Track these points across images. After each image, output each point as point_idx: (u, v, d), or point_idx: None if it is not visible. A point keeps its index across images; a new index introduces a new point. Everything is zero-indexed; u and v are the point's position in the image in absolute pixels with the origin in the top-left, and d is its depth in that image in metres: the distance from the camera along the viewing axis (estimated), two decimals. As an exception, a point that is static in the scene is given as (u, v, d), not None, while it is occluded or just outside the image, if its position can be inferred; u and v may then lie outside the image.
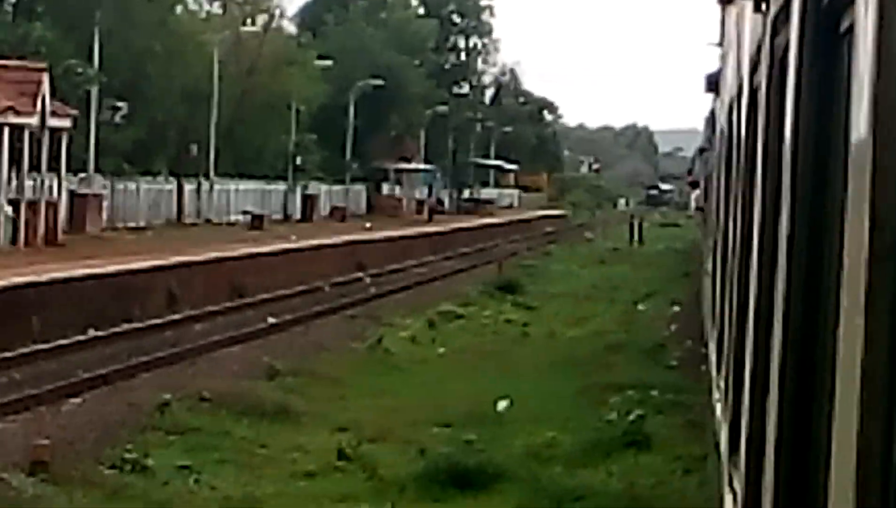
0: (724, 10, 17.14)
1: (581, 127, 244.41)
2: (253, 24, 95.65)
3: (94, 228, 61.78)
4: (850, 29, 3.41)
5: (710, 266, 26.64)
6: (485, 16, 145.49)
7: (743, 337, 8.84)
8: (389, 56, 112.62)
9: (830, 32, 4.35)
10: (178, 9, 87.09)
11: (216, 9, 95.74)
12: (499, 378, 32.45)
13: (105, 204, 66.01)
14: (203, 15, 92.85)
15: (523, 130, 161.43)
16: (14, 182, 54.88)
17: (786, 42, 5.79)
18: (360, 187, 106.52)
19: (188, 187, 77.66)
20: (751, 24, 8.93)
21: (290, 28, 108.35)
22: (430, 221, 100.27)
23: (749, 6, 7.86)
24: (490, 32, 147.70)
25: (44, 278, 40.97)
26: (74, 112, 61.24)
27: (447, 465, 22.57)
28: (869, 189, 2.76)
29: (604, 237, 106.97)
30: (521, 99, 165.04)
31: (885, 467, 2.64)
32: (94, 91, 68.14)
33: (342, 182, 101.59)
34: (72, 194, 61.47)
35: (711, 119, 38.25)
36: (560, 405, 28.93)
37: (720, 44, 27.06)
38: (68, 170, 61.05)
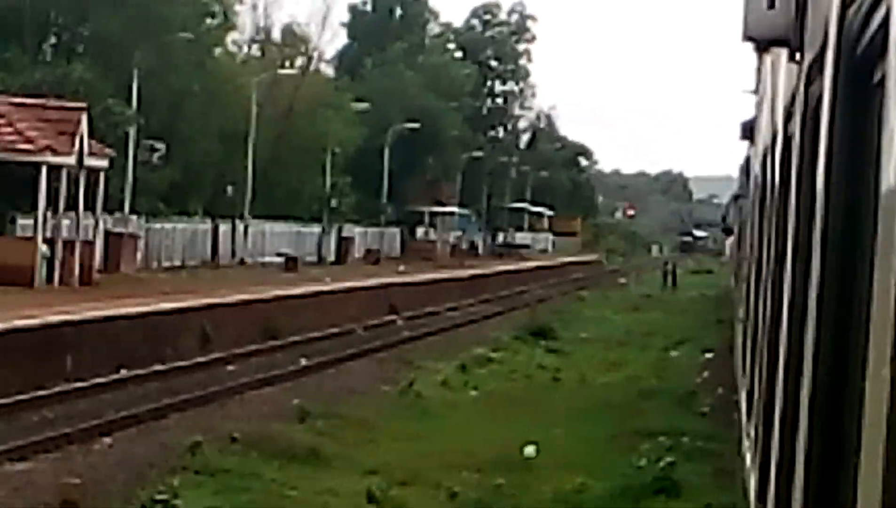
0: (759, 58, 17.14)
1: (616, 173, 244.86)
2: (291, 66, 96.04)
3: (128, 268, 62.03)
4: (883, 80, 3.39)
5: (742, 313, 26.64)
6: (522, 60, 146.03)
7: (773, 386, 8.84)
8: (426, 100, 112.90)
9: (864, 83, 4.32)
10: (217, 51, 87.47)
11: (255, 51, 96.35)
12: (530, 424, 32.42)
13: (140, 244, 66.30)
14: (242, 57, 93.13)
15: (558, 174, 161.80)
16: (51, 221, 55.06)
17: (820, 91, 5.74)
18: (394, 230, 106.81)
19: (223, 228, 77.85)
20: (786, 72, 8.92)
21: (328, 71, 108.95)
22: (461, 265, 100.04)
23: (784, 55, 7.83)
24: (527, 77, 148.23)
25: (78, 317, 41.06)
26: (112, 152, 61.50)
27: None
28: None
29: (637, 283, 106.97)
30: (557, 144, 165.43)
31: None
32: (132, 131, 68.55)
33: (377, 225, 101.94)
34: (107, 233, 61.78)
35: (746, 166, 38.22)
36: (590, 451, 28.90)
37: (756, 91, 27.04)
38: (104, 209, 61.18)
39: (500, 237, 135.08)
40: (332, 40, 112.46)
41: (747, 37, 7.62)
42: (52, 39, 76.46)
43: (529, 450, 28.28)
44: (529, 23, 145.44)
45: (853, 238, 4.61)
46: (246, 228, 79.84)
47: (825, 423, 5.00)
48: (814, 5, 6.21)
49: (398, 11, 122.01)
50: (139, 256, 65.27)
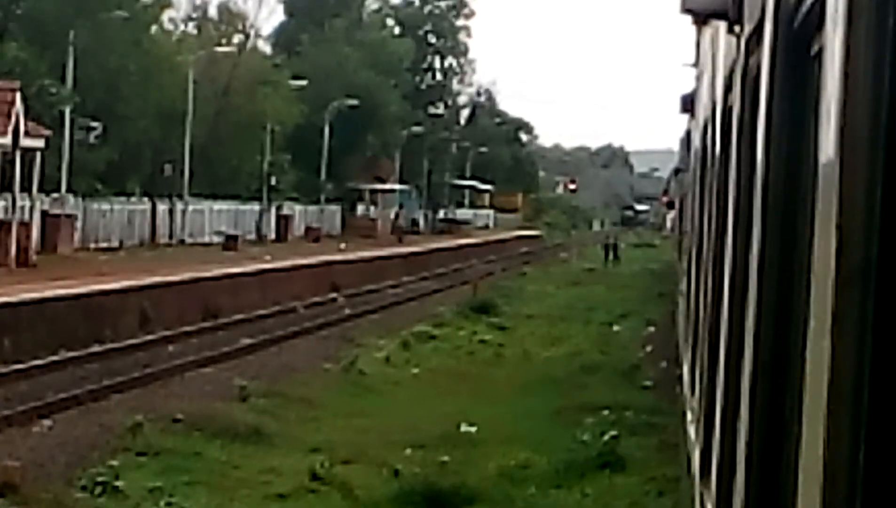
0: (699, 31, 17.20)
1: (557, 147, 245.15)
2: (228, 44, 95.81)
3: (66, 248, 61.76)
4: (820, 52, 3.41)
5: (684, 287, 26.71)
6: (461, 36, 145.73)
7: (716, 359, 8.88)
8: (365, 76, 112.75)
9: (801, 55, 4.38)
10: (154, 29, 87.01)
11: (191, 29, 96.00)
12: (473, 400, 32.50)
13: (78, 225, 66.08)
14: (178, 35, 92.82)
15: (499, 150, 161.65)
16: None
17: (758, 64, 5.79)
18: (335, 208, 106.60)
19: (162, 208, 77.67)
20: (725, 45, 8.97)
21: (266, 48, 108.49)
22: (399, 241, 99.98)
23: (723, 28, 7.88)
24: (466, 53, 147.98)
25: (15, 298, 40.88)
26: (48, 132, 61.13)
27: (422, 487, 22.63)
28: (836, 210, 2.76)
29: (579, 258, 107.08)
30: (497, 119, 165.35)
31: (850, 491, 2.65)
32: (68, 111, 68.09)
33: (317, 202, 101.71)
34: (44, 214, 61.51)
35: (687, 140, 38.32)
36: (534, 426, 28.98)
37: (695, 65, 27.15)
38: (41, 190, 60.90)
39: (441, 214, 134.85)
40: (269, 17, 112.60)
41: (686, 10, 7.65)
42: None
43: (468, 427, 28.39)
44: (470, 10, 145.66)
45: (793, 210, 4.66)
46: (185, 207, 79.58)
47: (767, 397, 5.03)
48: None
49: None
50: (77, 236, 65.08)
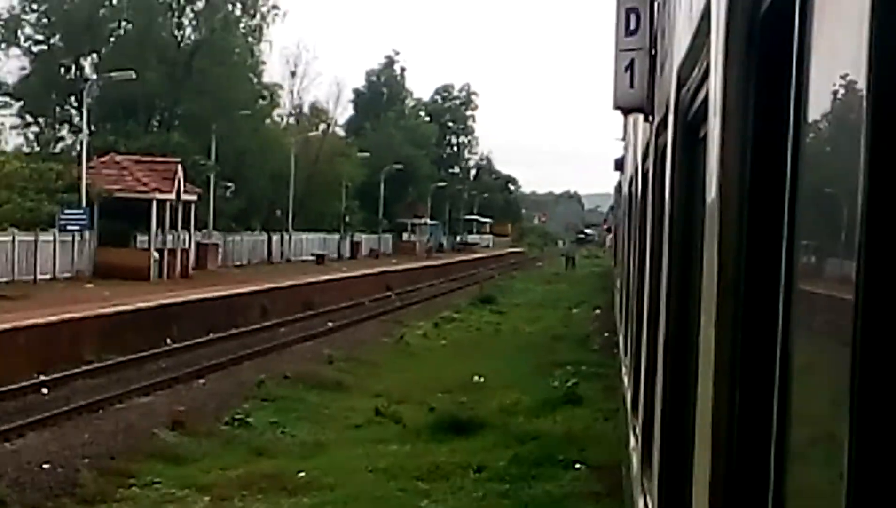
0: (625, 118, 17.11)
1: (533, 193, 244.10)
2: (316, 130, 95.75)
3: (212, 266, 62.07)
4: (705, 136, 3.44)
5: (618, 283, 26.67)
6: (469, 121, 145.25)
7: (640, 332, 8.88)
8: (406, 149, 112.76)
9: (693, 138, 4.43)
10: (267, 121, 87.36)
11: (292, 120, 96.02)
12: (481, 360, 32.49)
13: (219, 250, 66.33)
14: (283, 125, 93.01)
15: (495, 196, 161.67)
16: (160, 236, 55.10)
17: (664, 142, 5.81)
18: (388, 236, 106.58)
19: (275, 238, 77.83)
20: (642, 129, 8.93)
21: (341, 132, 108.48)
22: (429, 256, 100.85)
23: (641, 118, 7.85)
24: (472, 132, 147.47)
25: (181, 299, 41.09)
26: (199, 190, 61.55)
27: (448, 417, 22.70)
28: (717, 240, 2.82)
29: (549, 266, 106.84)
30: (494, 176, 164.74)
31: (730, 420, 2.67)
32: (212, 177, 68.49)
33: (376, 232, 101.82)
34: (198, 243, 61.77)
35: (618, 188, 38.20)
36: (522, 377, 29.00)
37: (623, 139, 27.04)
38: (195, 228, 61.26)
39: (458, 238, 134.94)
40: (343, 112, 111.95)
41: (617, 106, 7.67)
42: (157, 117, 76.15)
43: (478, 378, 28.44)
44: (473, 97, 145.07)
45: (689, 238, 4.67)
46: (290, 237, 79.70)
47: (673, 359, 5.08)
48: (659, 86, 6.25)
49: (385, 92, 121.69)
50: (219, 258, 65.24)
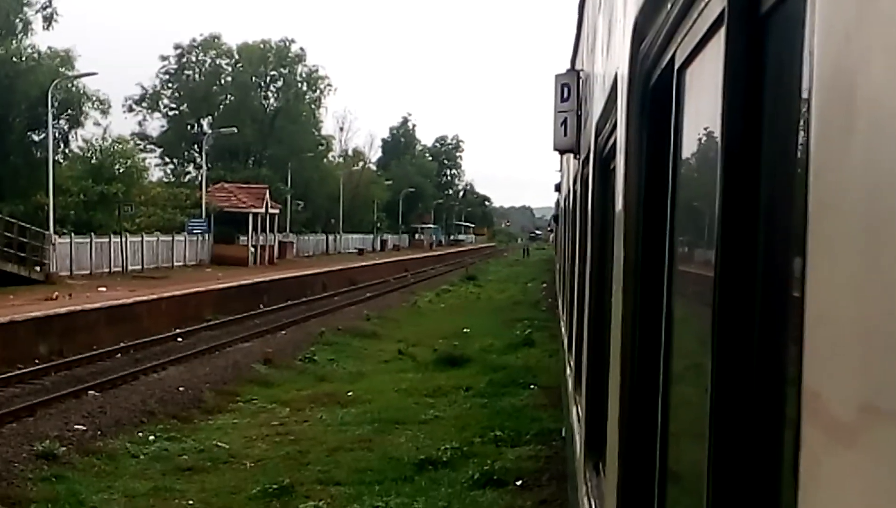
0: (561, 156, 17.02)
1: (501, 206, 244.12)
2: (357, 166, 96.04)
3: (289, 257, 61.94)
4: (614, 168, 3.43)
5: (558, 266, 26.64)
6: (458, 159, 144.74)
7: (571, 300, 8.88)
8: (417, 179, 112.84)
9: (606, 170, 4.37)
10: (325, 159, 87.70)
11: (340, 160, 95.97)
12: (468, 318, 32.42)
13: (294, 246, 66.27)
14: (335, 163, 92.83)
15: (476, 209, 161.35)
16: (254, 237, 55.11)
17: (587, 173, 5.75)
18: (405, 236, 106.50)
19: (330, 237, 77.75)
20: (573, 163, 8.88)
21: (373, 168, 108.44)
22: (432, 249, 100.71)
23: (572, 156, 7.80)
24: (460, 166, 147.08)
25: (268, 278, 41.07)
26: (279, 206, 61.49)
27: (446, 355, 22.63)
28: (623, 238, 2.79)
29: (512, 255, 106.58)
30: (475, 196, 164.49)
31: (632, 351, 2.67)
32: (289, 197, 68.53)
33: (398, 233, 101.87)
34: (280, 242, 61.65)
35: (557, 203, 38.08)
36: (495, 328, 28.89)
37: (560, 170, 26.93)
38: (278, 231, 61.23)
39: (451, 237, 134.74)
40: (374, 154, 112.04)
41: (556, 148, 7.63)
42: (251, 158, 76.47)
43: (466, 330, 28.38)
44: (461, 143, 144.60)
45: (604, 236, 4.62)
46: (340, 237, 79.72)
47: (594, 314, 5.03)
48: (583, 135, 6.24)
49: (403, 140, 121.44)
50: (293, 251, 65.18)
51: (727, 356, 1.40)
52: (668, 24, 1.89)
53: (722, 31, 1.38)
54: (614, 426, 2.75)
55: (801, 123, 1.08)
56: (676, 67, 1.90)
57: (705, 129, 1.69)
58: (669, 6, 1.87)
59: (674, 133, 2.05)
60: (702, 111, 1.71)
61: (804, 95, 1.07)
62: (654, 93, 2.37)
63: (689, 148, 1.93)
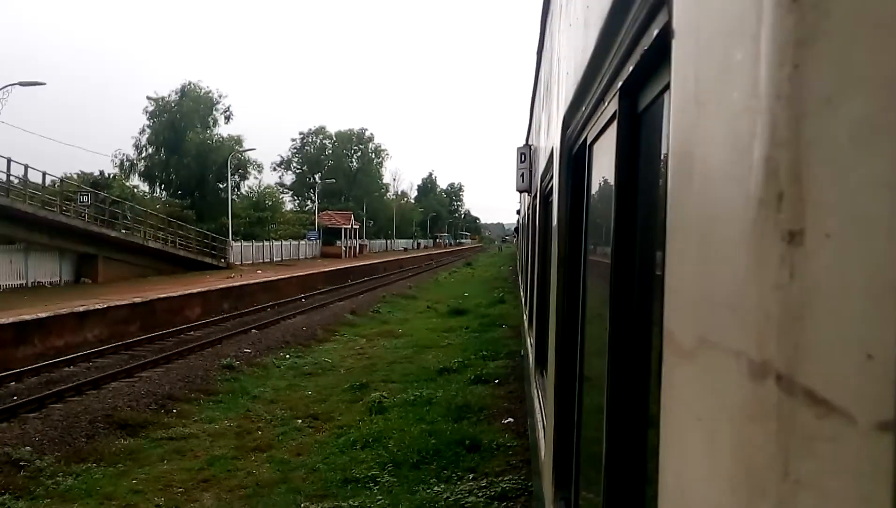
0: (521, 194, 16.74)
1: (486, 223, 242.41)
2: (404, 199, 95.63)
3: (365, 253, 61.67)
4: (552, 201, 3.35)
5: (518, 258, 26.38)
6: (462, 195, 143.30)
7: (527, 277, 8.72)
8: (438, 207, 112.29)
9: (547, 201, 4.16)
10: (387, 195, 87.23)
11: (393, 196, 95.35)
12: (467, 287, 32.08)
13: (368, 247, 65.94)
14: (391, 197, 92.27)
15: (471, 224, 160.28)
16: (345, 241, 54.83)
17: (536, 204, 5.53)
18: (431, 240, 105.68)
19: (388, 241, 77.43)
20: (526, 198, 8.71)
21: (412, 201, 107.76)
22: (446, 248, 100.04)
23: (527, 194, 7.64)
24: (462, 199, 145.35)
25: (352, 265, 40.84)
26: (359, 223, 60.89)
27: (455, 308, 22.32)
28: (557, 241, 2.66)
29: (491, 250, 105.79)
30: (472, 217, 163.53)
31: (564, 303, 2.51)
32: (363, 219, 68.02)
33: (426, 239, 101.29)
34: (359, 244, 61.32)
35: (517, 222, 37.75)
36: (482, 292, 28.38)
37: (519, 202, 26.66)
38: (358, 238, 60.86)
39: (456, 240, 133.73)
40: (413, 194, 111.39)
41: (517, 189, 7.50)
42: (343, 197, 76.00)
43: (466, 294, 28.11)
44: (463, 186, 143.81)
45: (545, 239, 4.47)
46: (393, 241, 79.43)
47: (540, 285, 4.89)
48: (532, 182, 6.09)
49: (429, 186, 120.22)
50: (367, 249, 64.90)
51: (619, 311, 1.37)
52: (583, 118, 1.86)
53: (615, 123, 1.35)
54: (552, 348, 2.70)
55: (661, 172, 1.06)
56: (588, 143, 1.86)
57: (605, 178, 1.65)
58: (584, 108, 1.83)
59: (586, 180, 1.99)
60: (602, 167, 1.67)
61: (662, 159, 1.05)
62: (575, 158, 2.33)
63: (595, 189, 1.88)
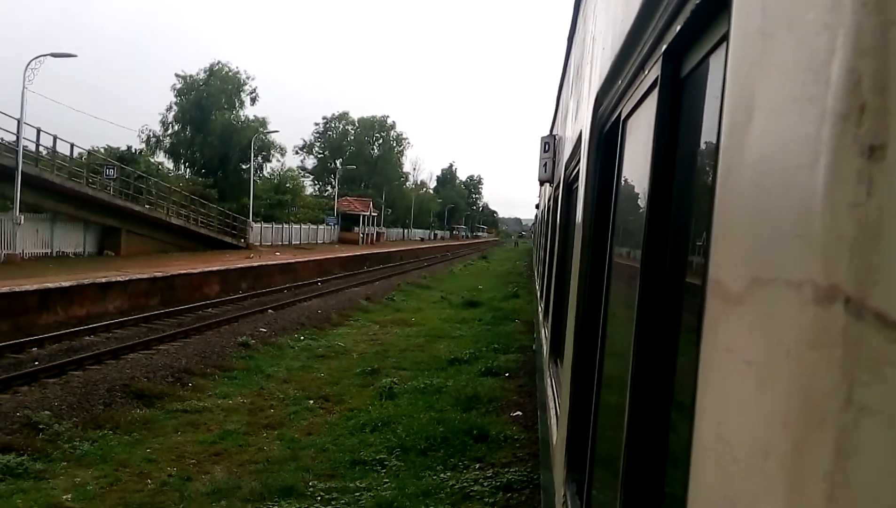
0: (541, 185, 16.68)
1: (503, 218, 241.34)
2: (422, 190, 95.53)
3: (382, 241, 61.88)
4: (577, 188, 3.29)
5: (535, 252, 26.25)
6: (480, 188, 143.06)
7: (544, 271, 8.69)
8: (457, 199, 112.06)
9: (572, 190, 4.11)
10: (406, 185, 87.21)
11: (412, 186, 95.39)
12: (481, 280, 32.03)
13: (385, 235, 66.10)
14: (410, 187, 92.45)
15: (488, 218, 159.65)
16: (363, 227, 54.95)
17: (558, 194, 5.50)
18: (448, 232, 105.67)
19: (406, 231, 77.56)
20: (548, 189, 8.67)
21: (431, 192, 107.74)
22: (463, 240, 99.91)
23: (548, 185, 7.60)
24: (480, 192, 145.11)
25: (369, 252, 40.98)
26: (377, 211, 61.11)
27: (468, 300, 22.17)
28: (581, 242, 2.56)
29: (509, 245, 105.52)
30: (488, 210, 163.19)
31: (583, 299, 2.44)
32: (382, 207, 68.09)
33: (443, 230, 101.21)
34: (377, 232, 61.51)
35: (536, 216, 37.57)
36: (498, 286, 28.34)
37: (539, 195, 26.50)
38: (375, 225, 61.04)
39: (474, 233, 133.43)
40: (432, 183, 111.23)
41: (539, 179, 7.43)
42: (363, 183, 76.18)
43: (480, 287, 28.02)
44: (482, 179, 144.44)
45: (565, 236, 4.43)
46: (410, 230, 79.56)
47: (558, 279, 4.86)
48: (556, 171, 6.06)
49: (449, 177, 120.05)
50: (384, 237, 65.11)
51: (650, 282, 1.31)
52: (618, 92, 1.80)
53: (655, 91, 1.29)
54: (570, 333, 2.65)
55: (707, 125, 1.00)
56: (623, 117, 1.80)
57: (639, 149, 1.58)
58: (619, 82, 1.77)
59: (617, 167, 1.90)
60: (638, 139, 1.61)
61: (707, 114, 1.00)
62: (607, 136, 2.25)
63: (627, 162, 1.79)
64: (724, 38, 0.80)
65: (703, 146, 1.06)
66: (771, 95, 0.58)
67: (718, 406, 0.64)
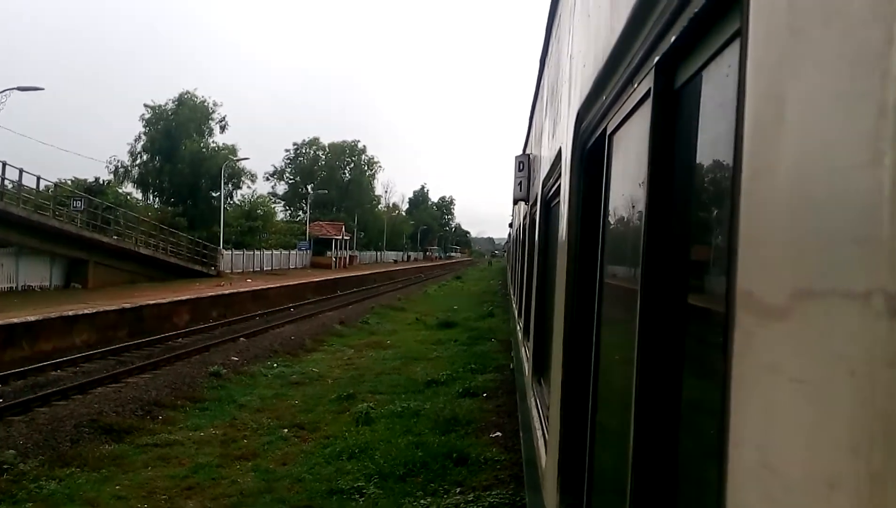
0: (515, 203, 16.80)
1: (475, 237, 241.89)
2: (395, 211, 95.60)
3: (355, 264, 61.34)
4: (557, 205, 3.27)
5: (510, 271, 26.33)
6: (452, 209, 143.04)
7: (521, 289, 8.68)
8: (430, 221, 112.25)
9: (550, 207, 4.09)
10: (377, 208, 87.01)
11: (384, 209, 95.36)
12: (456, 300, 31.95)
13: (358, 258, 65.63)
14: (381, 210, 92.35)
15: (462, 238, 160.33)
16: (335, 252, 54.53)
17: (534, 213, 5.48)
18: (421, 253, 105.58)
19: (378, 253, 77.16)
20: (522, 208, 8.69)
21: (403, 214, 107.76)
22: (437, 260, 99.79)
23: (522, 203, 7.60)
24: (452, 213, 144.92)
25: (342, 276, 40.60)
26: (350, 234, 60.65)
27: (444, 321, 22.05)
28: (565, 256, 2.51)
29: (482, 264, 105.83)
30: (462, 231, 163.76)
31: (569, 322, 2.40)
32: (354, 230, 67.66)
33: (416, 251, 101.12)
34: (350, 255, 61.03)
35: (510, 235, 37.78)
36: (472, 305, 28.28)
37: (512, 214, 26.70)
38: (348, 249, 60.55)
39: (447, 253, 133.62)
40: (405, 206, 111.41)
41: (514, 198, 7.43)
42: (335, 207, 75.76)
43: (455, 307, 27.93)
44: (454, 200, 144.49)
45: (544, 253, 4.39)
46: (383, 253, 79.15)
47: (539, 297, 4.84)
48: (531, 190, 6.10)
49: (421, 199, 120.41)
50: (357, 261, 64.58)
51: (650, 302, 1.26)
52: (603, 107, 1.77)
53: (646, 104, 1.26)
54: (557, 354, 2.59)
55: (715, 132, 0.96)
56: (608, 133, 1.77)
57: (629, 164, 1.54)
58: (604, 97, 1.75)
59: (604, 184, 1.84)
60: (628, 154, 1.57)
61: (707, 124, 0.96)
62: (590, 152, 2.22)
63: (615, 194, 1.74)
64: (726, 44, 0.78)
65: (705, 156, 1.02)
66: (806, 93, 0.54)
67: (760, 429, 0.58)
